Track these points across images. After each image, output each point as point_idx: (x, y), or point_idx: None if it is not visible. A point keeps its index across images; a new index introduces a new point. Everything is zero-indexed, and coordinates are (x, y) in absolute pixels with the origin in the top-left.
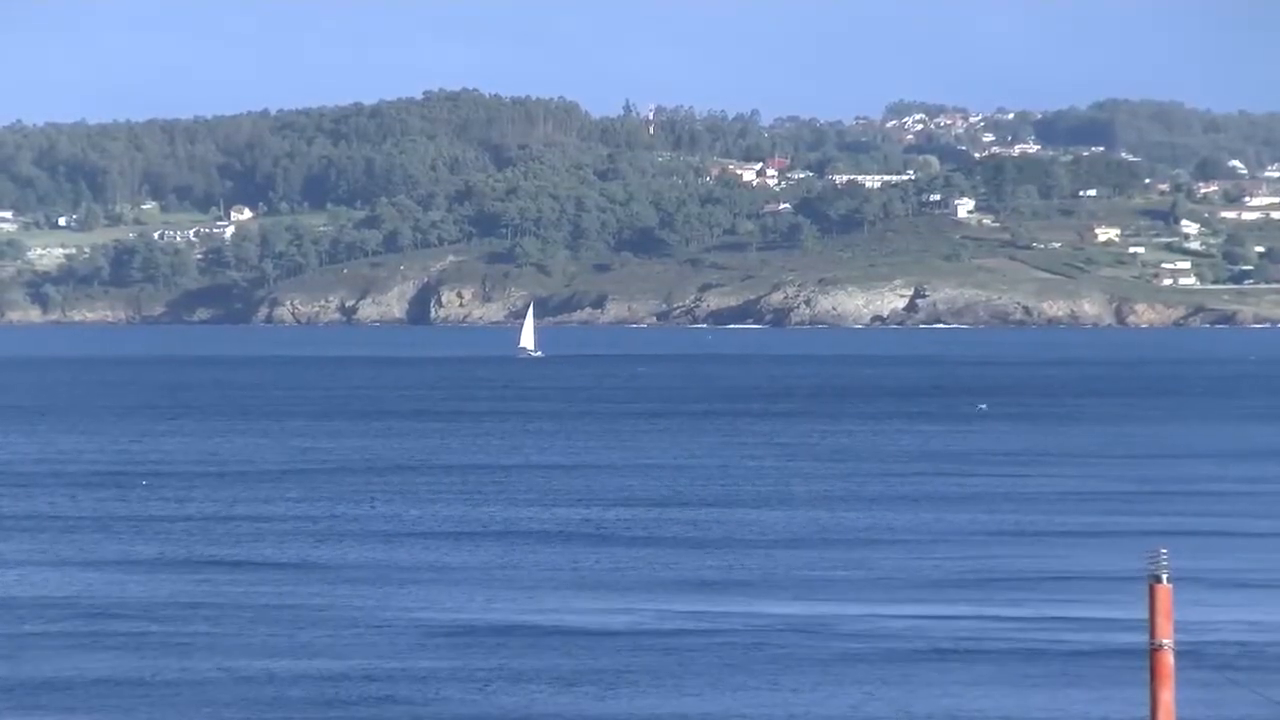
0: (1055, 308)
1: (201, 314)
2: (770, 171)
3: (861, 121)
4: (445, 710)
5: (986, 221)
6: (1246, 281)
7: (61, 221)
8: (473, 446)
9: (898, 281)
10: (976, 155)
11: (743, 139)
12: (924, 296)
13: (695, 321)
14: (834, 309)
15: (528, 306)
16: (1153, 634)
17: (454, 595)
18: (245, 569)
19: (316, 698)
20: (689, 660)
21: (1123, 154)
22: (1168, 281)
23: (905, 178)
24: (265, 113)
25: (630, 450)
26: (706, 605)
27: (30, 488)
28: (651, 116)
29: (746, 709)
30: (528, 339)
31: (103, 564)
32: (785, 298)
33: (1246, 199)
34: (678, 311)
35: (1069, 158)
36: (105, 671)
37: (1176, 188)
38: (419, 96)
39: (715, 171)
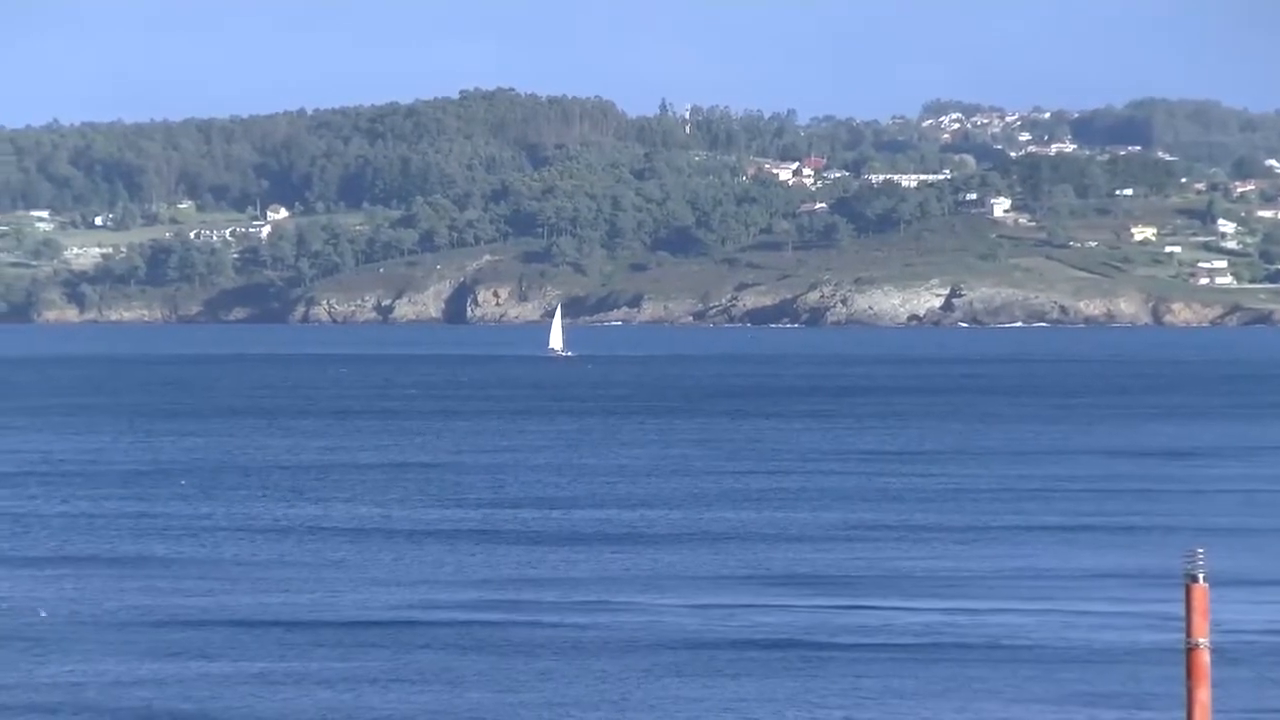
0: (1092, 307)
1: (238, 313)
2: (806, 171)
3: (898, 121)
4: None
5: (1023, 221)
6: None
7: (98, 221)
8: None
9: (934, 281)
10: (1013, 154)
11: (779, 138)
12: (960, 296)
13: (732, 321)
14: (870, 308)
15: (562, 305)
16: (1189, 633)
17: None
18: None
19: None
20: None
21: (1159, 153)
22: (1204, 281)
23: (941, 177)
24: (302, 112)
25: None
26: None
27: None
28: (688, 116)
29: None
30: (556, 339)
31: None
32: (821, 297)
33: None
34: (714, 311)
35: (1105, 157)
36: None
37: (1213, 187)
38: (455, 96)
39: (751, 171)
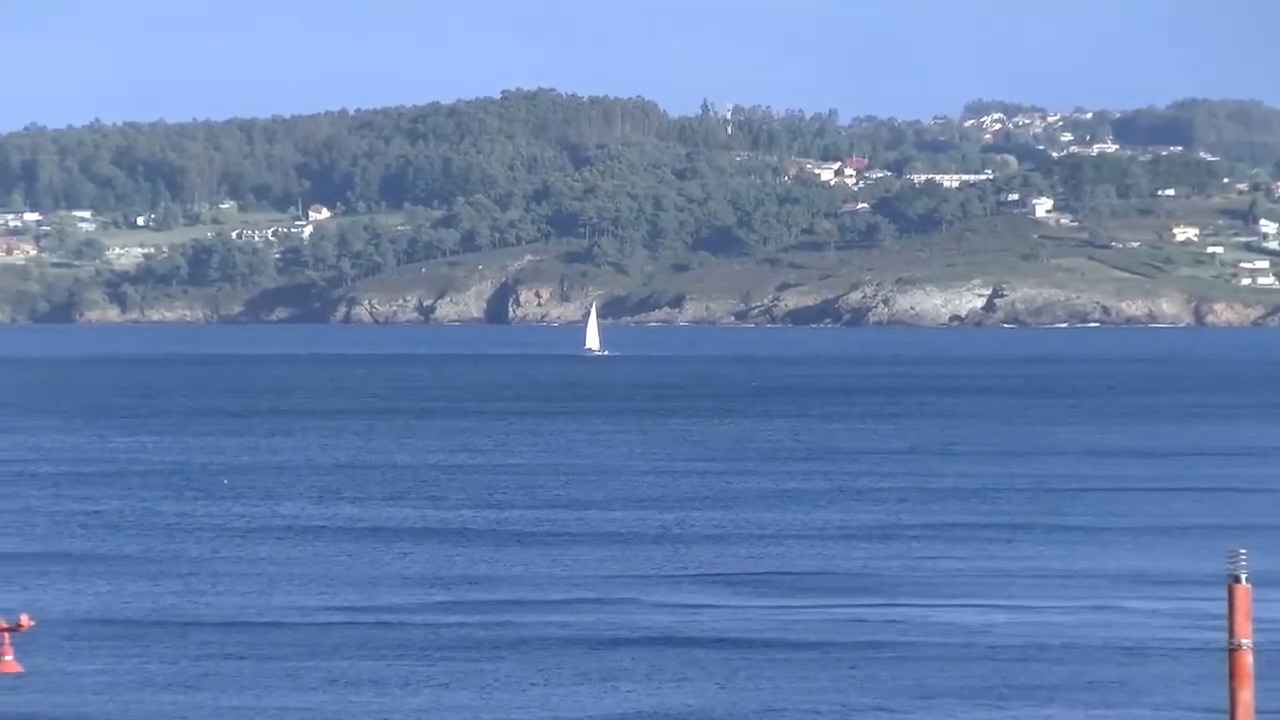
0: (1133, 307)
1: (279, 313)
2: (848, 171)
3: (940, 121)
4: None
5: (1065, 221)
6: None
7: (140, 221)
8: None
9: (976, 281)
10: (1055, 155)
11: (821, 138)
12: (1002, 296)
13: (773, 321)
14: (912, 308)
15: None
16: (1232, 634)
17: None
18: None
19: None
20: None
21: (1201, 153)
22: (1246, 281)
23: (983, 177)
24: (344, 112)
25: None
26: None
27: None
28: (729, 116)
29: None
30: (593, 338)
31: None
32: (863, 297)
33: None
34: (756, 311)
35: (1147, 157)
36: None
37: (1255, 187)
38: (497, 96)
39: (793, 171)
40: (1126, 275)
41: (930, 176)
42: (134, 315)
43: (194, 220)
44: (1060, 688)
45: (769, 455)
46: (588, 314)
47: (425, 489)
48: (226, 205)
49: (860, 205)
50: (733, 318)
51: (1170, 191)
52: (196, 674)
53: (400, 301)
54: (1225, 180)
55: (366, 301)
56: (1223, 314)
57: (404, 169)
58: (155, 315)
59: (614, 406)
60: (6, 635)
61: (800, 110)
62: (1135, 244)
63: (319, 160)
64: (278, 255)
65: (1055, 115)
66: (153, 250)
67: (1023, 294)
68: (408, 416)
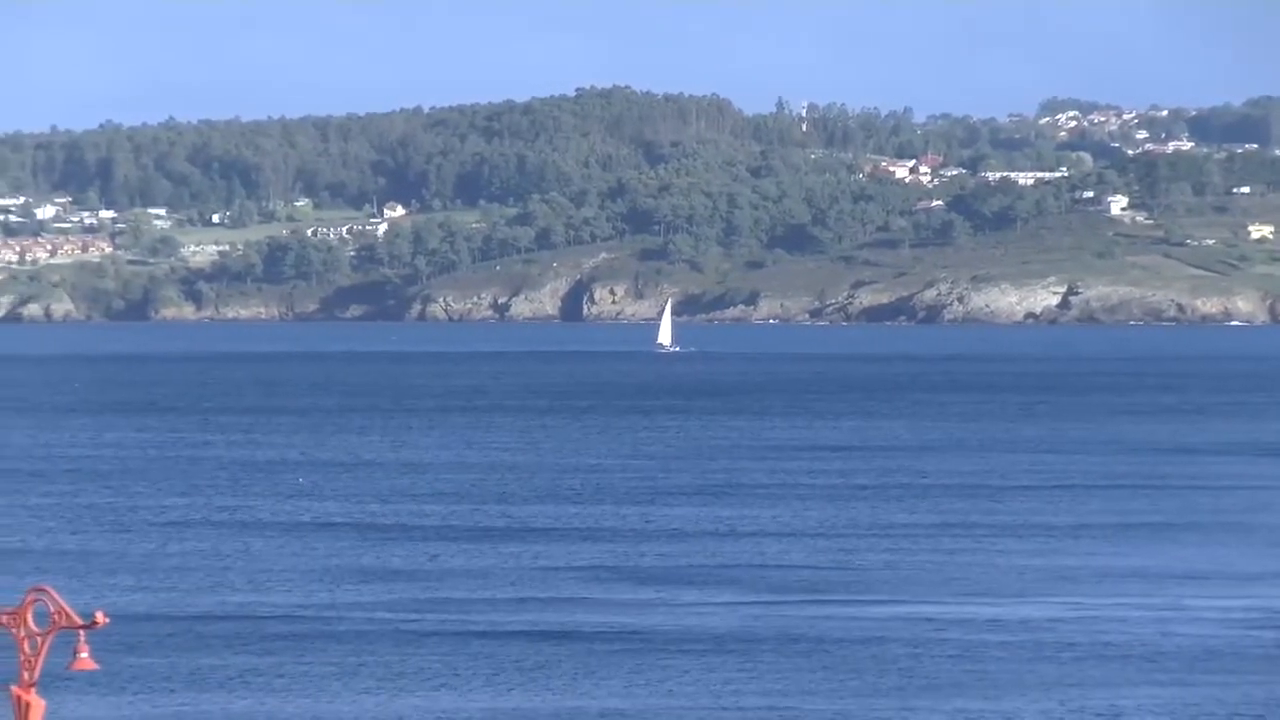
0: (1209, 305)
1: (354, 311)
2: (923, 168)
3: (1015, 119)
4: None
5: (1140, 219)
6: None
7: (215, 218)
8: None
9: (1051, 279)
10: (1130, 152)
11: (896, 136)
12: (1077, 294)
13: (848, 319)
14: (987, 306)
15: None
16: None
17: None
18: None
19: None
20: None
21: (1277, 151)
22: None
23: (1058, 175)
24: (418, 110)
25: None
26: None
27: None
28: (804, 114)
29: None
30: (665, 335)
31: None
32: (938, 295)
33: None
34: (830, 309)
35: (1223, 155)
36: None
37: None
38: (571, 94)
39: (868, 168)
40: (1201, 273)
41: (1005, 174)
42: (209, 313)
43: (269, 218)
44: None
45: (833, 449)
46: (662, 311)
47: (489, 487)
48: (301, 203)
49: (935, 203)
50: (807, 315)
51: (1245, 189)
52: (263, 672)
53: (475, 299)
54: None
55: (441, 299)
56: None
57: (479, 166)
58: (230, 313)
59: (680, 404)
60: (82, 633)
61: (875, 108)
62: (1210, 242)
63: (394, 158)
64: (352, 253)
65: (1130, 113)
66: (227, 248)
67: (1097, 292)
68: (474, 414)
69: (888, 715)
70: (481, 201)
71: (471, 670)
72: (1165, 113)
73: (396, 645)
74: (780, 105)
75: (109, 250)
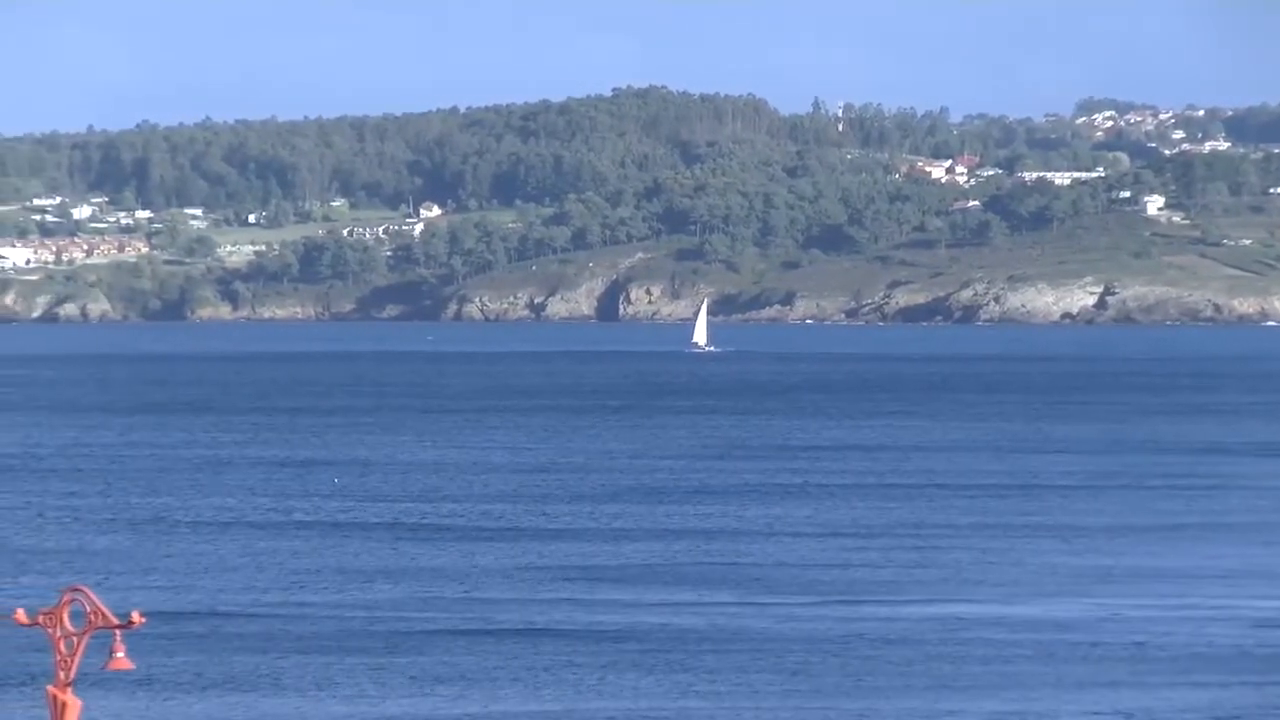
0: (1245, 305)
1: (390, 311)
2: (959, 168)
3: (1051, 119)
4: None
5: (1176, 219)
6: None
7: (251, 218)
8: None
9: (1087, 279)
10: (1166, 152)
11: (932, 136)
12: (1114, 294)
13: (884, 319)
14: (1023, 306)
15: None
16: None
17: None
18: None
19: None
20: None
21: None
22: None
23: (1095, 175)
24: (454, 110)
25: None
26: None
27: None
28: (840, 114)
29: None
30: (700, 334)
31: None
32: (974, 295)
33: None
34: (866, 309)
35: (1260, 155)
36: None
37: None
38: (608, 94)
39: (904, 169)
40: (1238, 273)
41: (1041, 174)
42: (245, 313)
43: (305, 218)
44: None
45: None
46: (697, 311)
47: (524, 487)
48: (338, 203)
49: (971, 203)
50: (843, 316)
51: None
52: (297, 672)
53: (511, 299)
54: None
55: (477, 299)
56: None
57: (515, 166)
58: (266, 313)
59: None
60: (118, 632)
61: (911, 108)
62: (1247, 242)
63: (430, 158)
64: (389, 253)
65: (1167, 113)
66: (264, 248)
67: (1134, 292)
68: (511, 414)
69: (919, 716)
70: (518, 201)
71: (505, 670)
72: (1202, 112)
73: (429, 645)
74: (816, 105)
75: (145, 250)
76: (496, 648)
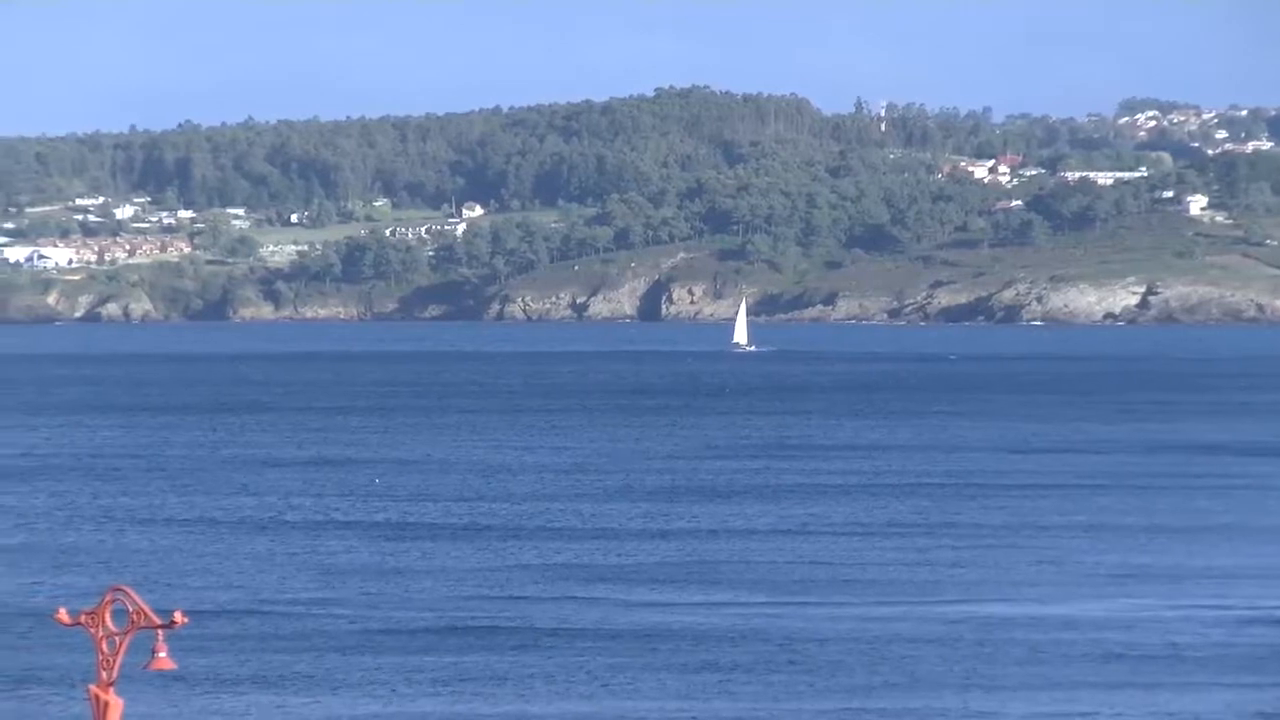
0: None
1: (433, 311)
2: (1002, 168)
3: (1094, 118)
4: None
5: (1219, 219)
6: None
7: (293, 218)
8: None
9: (1130, 279)
10: (1209, 152)
11: (974, 136)
12: (1156, 294)
13: (926, 319)
14: (1066, 306)
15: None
16: None
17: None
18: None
19: None
20: None
21: None
22: None
23: (1137, 175)
24: (497, 110)
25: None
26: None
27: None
28: (883, 114)
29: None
30: (741, 334)
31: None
32: (1017, 295)
33: None
34: (909, 309)
35: None
36: None
37: None
38: (650, 93)
39: (947, 168)
40: None
41: (1084, 174)
42: (287, 313)
43: (347, 218)
44: None
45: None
46: (738, 311)
47: (559, 487)
48: (380, 203)
49: (1014, 203)
50: (886, 315)
51: None
52: (334, 671)
53: (553, 299)
54: None
55: (520, 299)
56: None
57: (557, 166)
58: (309, 313)
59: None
60: (160, 632)
61: (954, 108)
62: None
63: (472, 158)
64: (431, 253)
65: (1210, 112)
66: (306, 248)
67: (1177, 292)
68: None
69: (956, 716)
70: (560, 201)
71: (539, 670)
72: (1245, 112)
73: (463, 645)
74: (859, 105)
75: (187, 250)
76: (532, 647)
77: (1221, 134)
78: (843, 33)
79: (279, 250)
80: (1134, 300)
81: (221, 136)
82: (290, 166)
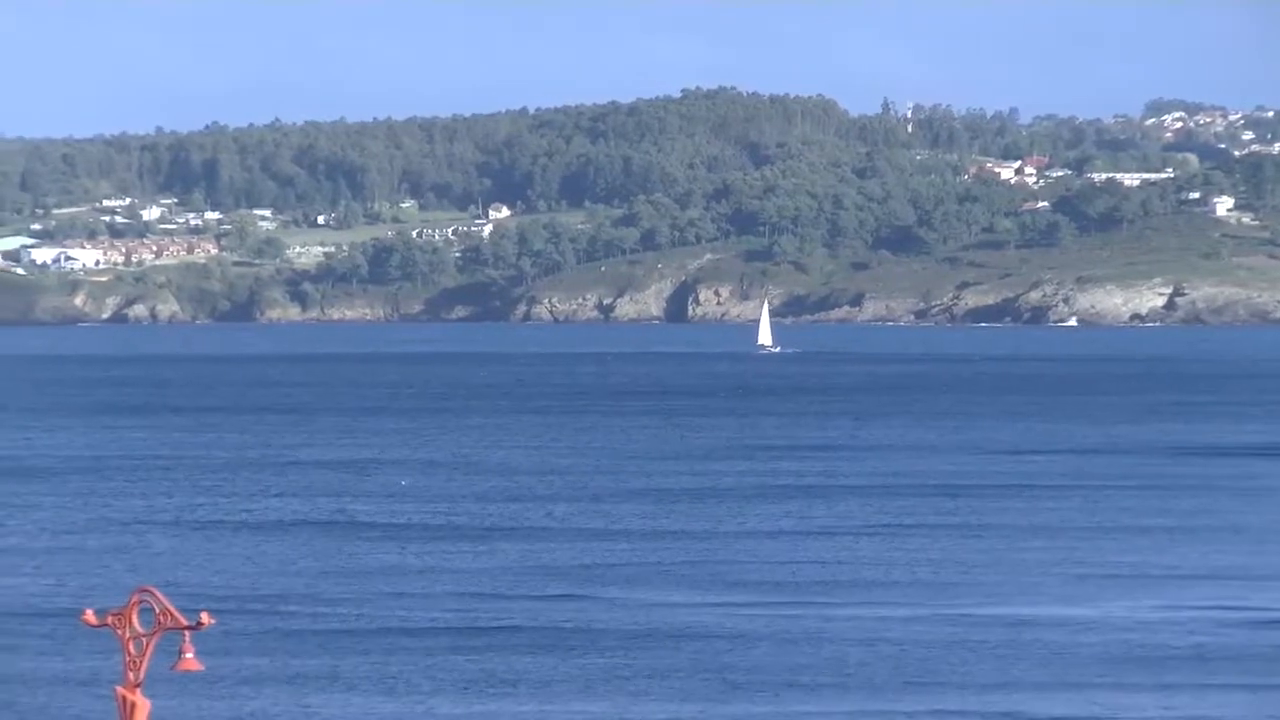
0: None
1: (459, 312)
2: (1028, 169)
3: (1120, 119)
4: None
5: (1246, 220)
6: None
7: (320, 220)
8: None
9: (1156, 280)
10: (1236, 153)
11: (1001, 137)
12: (1183, 295)
13: (952, 320)
14: (1092, 307)
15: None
16: None
17: None
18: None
19: None
20: None
21: None
22: None
23: (1164, 176)
24: (523, 111)
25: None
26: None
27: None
28: (910, 115)
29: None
30: (765, 335)
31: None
32: (1043, 296)
33: None
34: (935, 310)
35: None
36: None
37: None
38: (677, 95)
39: (973, 170)
40: None
41: (1111, 175)
42: (314, 314)
43: (374, 219)
44: None
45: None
46: (771, 312)
47: (583, 488)
48: (407, 204)
49: (1040, 204)
50: (912, 316)
51: None
52: (359, 672)
53: (580, 300)
54: None
55: (546, 300)
56: None
57: (584, 168)
58: (335, 314)
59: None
60: (187, 633)
61: (980, 109)
62: None
63: (499, 159)
64: (458, 254)
65: (1236, 114)
66: (333, 249)
67: (1203, 293)
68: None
69: (978, 717)
70: (586, 203)
71: (561, 670)
72: (1272, 113)
73: (485, 644)
74: (885, 106)
75: (214, 251)
76: (555, 647)
77: (1248, 135)
78: (869, 34)
79: (306, 251)
80: (1160, 301)
81: (248, 138)
82: (317, 168)
